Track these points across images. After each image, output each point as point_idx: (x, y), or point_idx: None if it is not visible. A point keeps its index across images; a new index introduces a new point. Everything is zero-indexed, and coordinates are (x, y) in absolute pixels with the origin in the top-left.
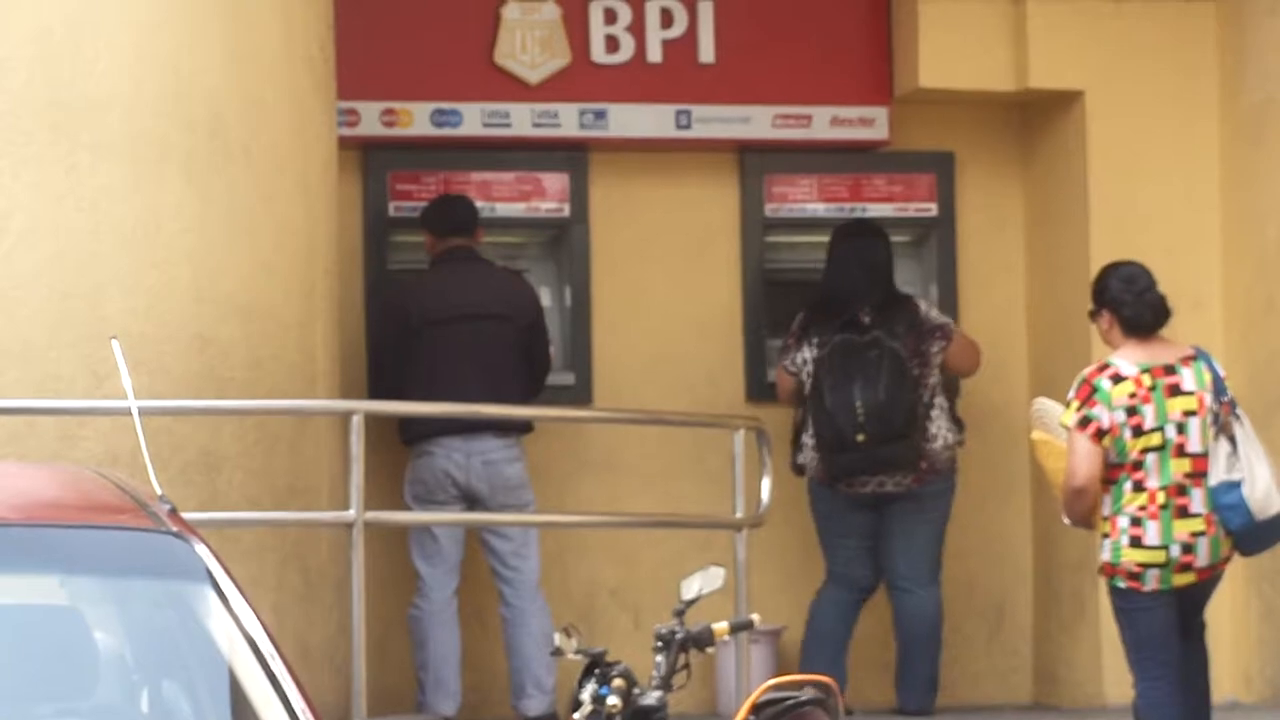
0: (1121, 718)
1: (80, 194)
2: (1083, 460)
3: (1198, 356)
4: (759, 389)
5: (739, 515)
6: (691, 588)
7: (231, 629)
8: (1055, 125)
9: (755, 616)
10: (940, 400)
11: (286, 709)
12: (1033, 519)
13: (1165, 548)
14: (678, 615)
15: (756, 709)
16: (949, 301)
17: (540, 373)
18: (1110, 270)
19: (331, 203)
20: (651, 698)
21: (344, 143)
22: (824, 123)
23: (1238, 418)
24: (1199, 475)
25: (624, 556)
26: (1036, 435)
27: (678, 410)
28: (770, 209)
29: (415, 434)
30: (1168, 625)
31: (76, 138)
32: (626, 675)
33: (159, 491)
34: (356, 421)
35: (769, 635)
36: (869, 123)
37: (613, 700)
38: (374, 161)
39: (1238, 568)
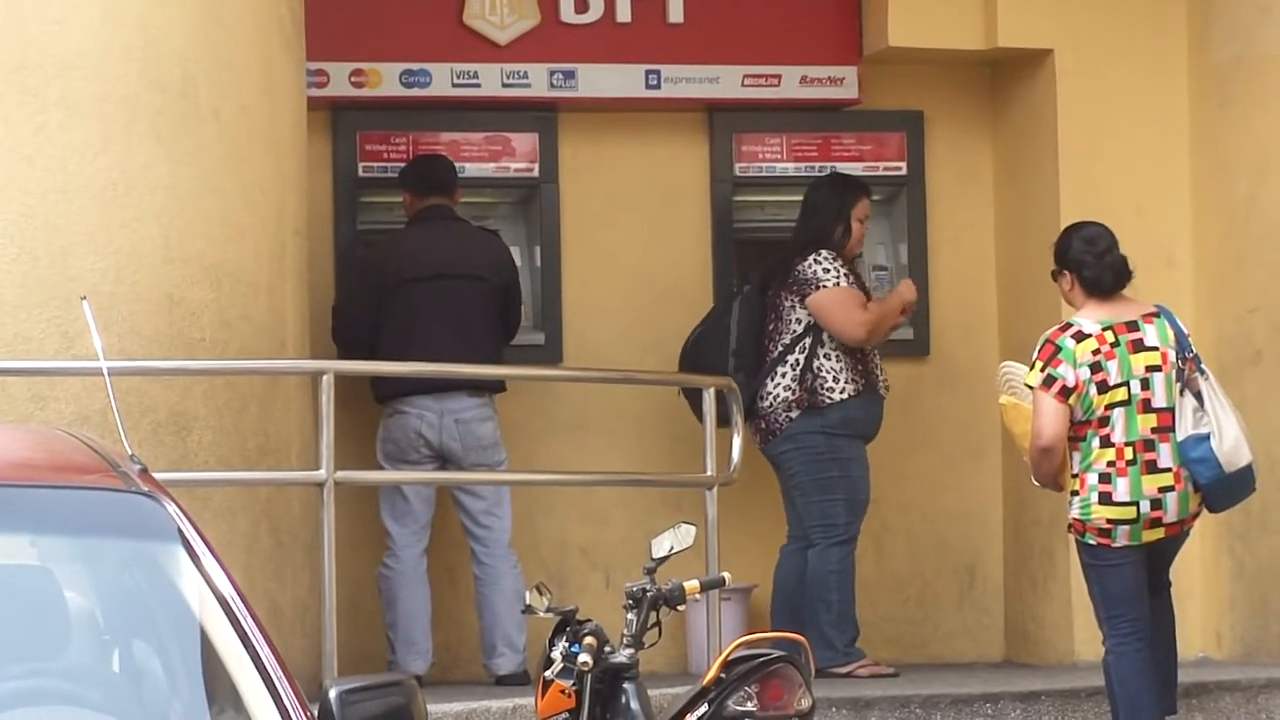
0: (1093, 674)
1: (49, 154)
2: (1048, 419)
3: (1160, 313)
4: None
5: (709, 473)
6: (662, 546)
7: (202, 589)
8: (1025, 84)
9: (726, 574)
10: (796, 358)
11: (258, 668)
12: (1003, 477)
13: (1135, 503)
14: (649, 573)
15: (728, 666)
16: (919, 260)
17: (510, 330)
18: (1072, 231)
19: (301, 163)
20: (623, 656)
21: (313, 103)
22: (793, 82)
23: (1203, 372)
24: (1165, 430)
25: (595, 515)
26: (1004, 399)
27: (648, 369)
28: (740, 168)
29: (388, 393)
30: (1138, 582)
31: (45, 98)
32: (598, 634)
33: (130, 451)
34: (327, 381)
35: (740, 593)
36: (838, 82)
37: (584, 658)
38: (343, 122)
39: (1209, 525)
